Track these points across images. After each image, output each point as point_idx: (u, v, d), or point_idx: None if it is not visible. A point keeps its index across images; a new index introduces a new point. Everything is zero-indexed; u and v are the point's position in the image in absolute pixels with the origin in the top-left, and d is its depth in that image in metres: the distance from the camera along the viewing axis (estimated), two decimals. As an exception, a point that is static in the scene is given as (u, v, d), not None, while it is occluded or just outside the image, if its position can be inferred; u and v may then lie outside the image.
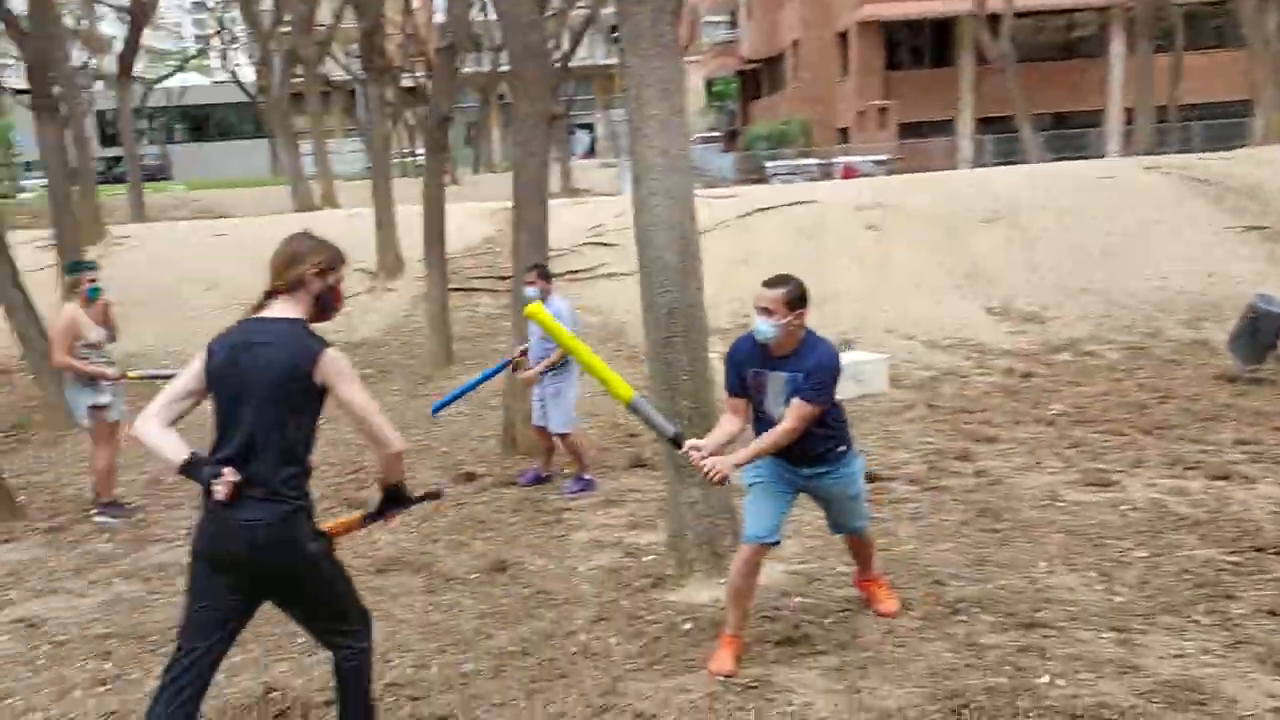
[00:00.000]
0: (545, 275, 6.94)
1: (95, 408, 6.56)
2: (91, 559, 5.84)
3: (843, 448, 4.14)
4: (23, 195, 36.96)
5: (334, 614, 3.18)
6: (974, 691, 3.70)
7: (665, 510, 5.31)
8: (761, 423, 4.09)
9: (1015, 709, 3.57)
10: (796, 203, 15.02)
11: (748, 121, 44.26)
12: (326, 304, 3.16)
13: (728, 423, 4.12)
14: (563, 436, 6.94)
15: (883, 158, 26.52)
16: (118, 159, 55.03)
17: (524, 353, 7.07)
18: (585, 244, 14.12)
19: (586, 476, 6.94)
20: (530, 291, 6.73)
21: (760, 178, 27.39)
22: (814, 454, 4.05)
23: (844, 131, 34.46)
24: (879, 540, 5.39)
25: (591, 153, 58.93)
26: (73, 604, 5.11)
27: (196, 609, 3.03)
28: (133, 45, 21.34)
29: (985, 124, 31.61)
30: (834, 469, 4.12)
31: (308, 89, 24.30)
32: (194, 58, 47.07)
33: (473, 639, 4.52)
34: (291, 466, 3.01)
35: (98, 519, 6.56)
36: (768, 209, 14.89)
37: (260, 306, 3.13)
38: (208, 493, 2.94)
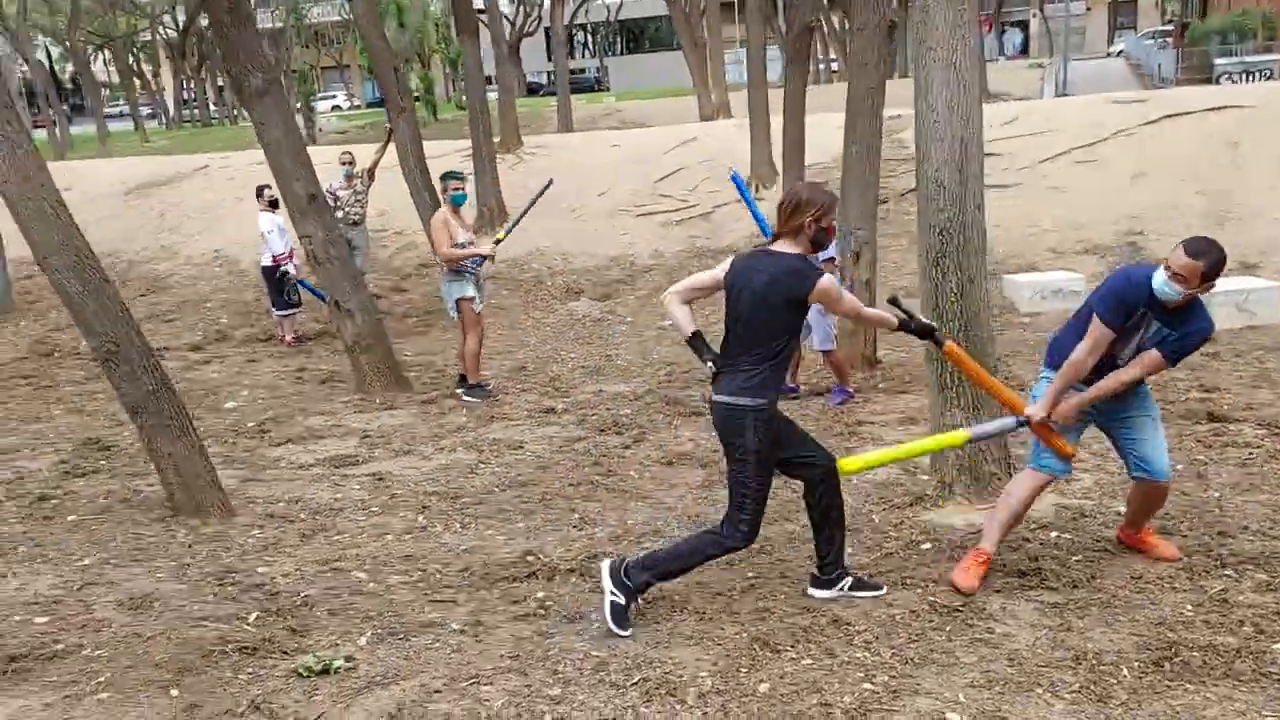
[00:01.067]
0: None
1: (463, 299, 7.64)
2: (446, 429, 6.95)
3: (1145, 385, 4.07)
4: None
5: (733, 495, 3.86)
6: (1192, 647, 3.44)
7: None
8: (1102, 362, 3.96)
9: (1228, 669, 3.28)
10: (1220, 107, 13.16)
11: (1206, 14, 38.58)
12: (819, 242, 3.83)
13: (1082, 361, 3.93)
14: (825, 353, 7.20)
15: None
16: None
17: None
18: (963, 153, 13.47)
19: (849, 389, 7.18)
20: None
21: (1207, 77, 24.00)
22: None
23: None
24: (1183, 484, 5.01)
25: (1024, 51, 54.68)
26: (417, 465, 6.17)
27: None
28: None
29: None
30: (1129, 402, 4.07)
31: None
32: None
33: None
34: (761, 364, 3.71)
35: (465, 397, 7.71)
36: (1182, 114, 13.22)
37: (773, 240, 3.89)
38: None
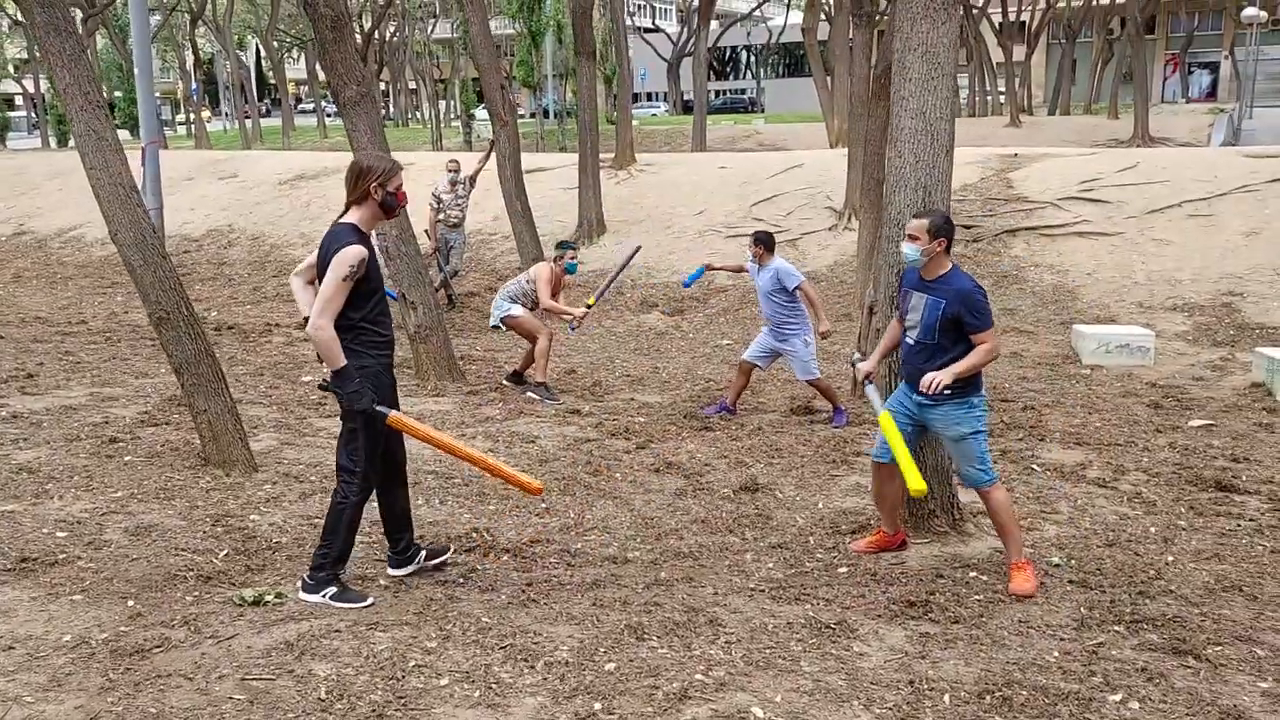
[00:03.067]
0: (760, 242, 7.61)
1: (509, 317, 8.29)
2: (476, 419, 7.54)
3: (948, 390, 4.48)
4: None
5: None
6: (1027, 686, 3.61)
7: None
8: (902, 341, 4.75)
9: (1046, 710, 3.45)
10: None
11: None
12: (388, 205, 4.15)
13: (893, 333, 4.89)
14: (811, 382, 7.61)
15: None
16: (720, 92, 60.99)
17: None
18: (1071, 198, 13.26)
19: (841, 408, 7.65)
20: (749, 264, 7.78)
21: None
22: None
23: None
24: (1141, 545, 5.06)
25: (1212, 94, 51.90)
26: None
27: None
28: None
29: None
30: (938, 405, 4.58)
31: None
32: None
33: (668, 533, 5.26)
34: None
35: (533, 395, 8.23)
36: (1315, 174, 12.63)
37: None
38: None
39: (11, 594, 4.10)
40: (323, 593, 4.17)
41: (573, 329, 8.50)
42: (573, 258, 8.37)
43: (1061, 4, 40.42)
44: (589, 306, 8.39)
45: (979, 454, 4.65)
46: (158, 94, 52.20)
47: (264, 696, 3.39)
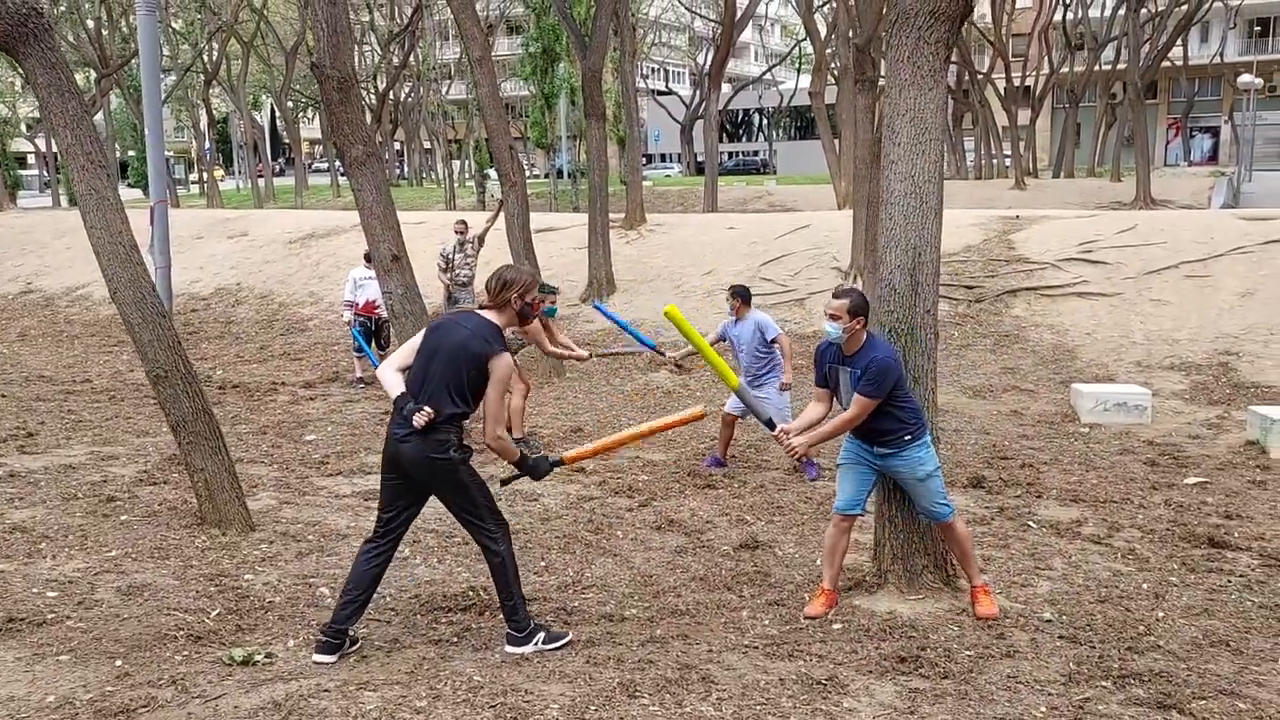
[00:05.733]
0: (738, 295, 7.84)
1: None
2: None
3: (908, 436, 4.81)
4: (643, 183, 43.16)
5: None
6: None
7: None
8: (841, 411, 4.92)
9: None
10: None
11: None
12: (525, 315, 4.44)
13: (813, 408, 5.05)
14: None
15: None
16: (732, 154, 61.82)
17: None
18: (1071, 259, 13.36)
19: (814, 461, 7.67)
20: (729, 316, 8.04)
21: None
22: (884, 437, 4.81)
23: None
24: (1133, 601, 5.03)
25: (1213, 158, 52.40)
26: (434, 504, 6.44)
27: None
28: (720, 59, 24.20)
29: None
30: (900, 451, 4.83)
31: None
32: (780, 62, 50.43)
33: (666, 591, 5.25)
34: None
35: None
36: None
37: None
38: None
39: (-1, 652, 4.10)
40: (534, 641, 4.38)
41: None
42: (552, 302, 8.43)
43: (1065, 69, 41.00)
44: (593, 355, 8.47)
45: (940, 489, 4.93)
46: (172, 153, 53.15)
47: (249, 756, 3.37)
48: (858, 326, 4.77)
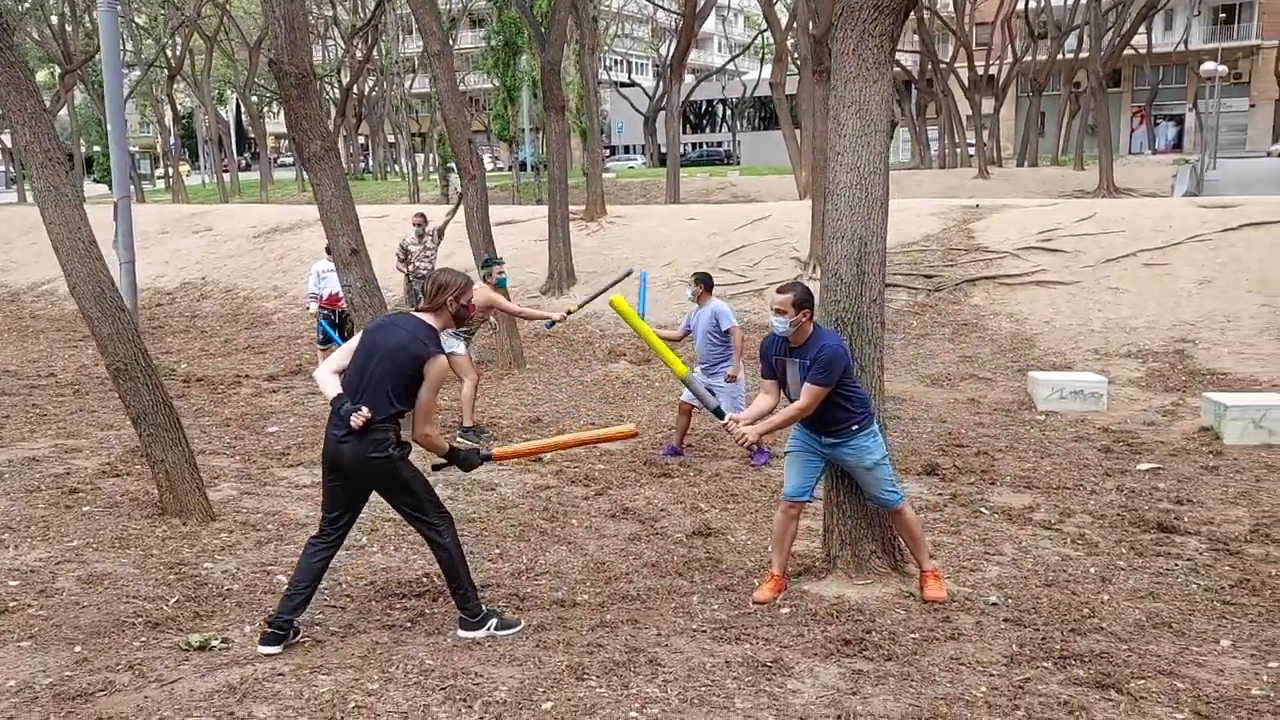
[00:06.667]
0: (700, 281, 8.00)
1: (453, 355, 8.39)
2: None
3: (855, 425, 4.91)
4: (606, 175, 43.14)
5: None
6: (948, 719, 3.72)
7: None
8: (790, 402, 5.00)
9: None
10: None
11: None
12: (460, 317, 4.52)
13: (762, 399, 5.08)
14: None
15: None
16: (696, 145, 61.94)
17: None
18: (1030, 247, 13.58)
19: (764, 449, 7.78)
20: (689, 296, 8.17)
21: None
22: (832, 426, 4.91)
23: None
24: (1080, 585, 5.19)
25: (1178, 146, 53.11)
26: None
27: None
28: (681, 50, 24.30)
29: None
30: (848, 440, 4.93)
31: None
32: (742, 53, 50.57)
33: (618, 577, 5.36)
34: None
35: (459, 439, 8.39)
36: (1265, 223, 12.99)
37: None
38: None
39: (-41, 642, 4.15)
40: (486, 627, 4.49)
41: (548, 326, 8.54)
42: (501, 272, 8.62)
43: (1028, 58, 41.40)
44: (569, 312, 8.46)
45: (888, 477, 5.04)
46: (137, 148, 52.49)
47: (203, 738, 3.46)
48: (804, 319, 4.85)
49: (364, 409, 4.22)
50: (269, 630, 4.29)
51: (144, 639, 4.26)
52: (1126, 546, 5.96)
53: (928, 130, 47.94)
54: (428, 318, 4.42)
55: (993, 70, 43.03)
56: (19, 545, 5.45)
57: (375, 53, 36.27)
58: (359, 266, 8.56)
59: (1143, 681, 4.10)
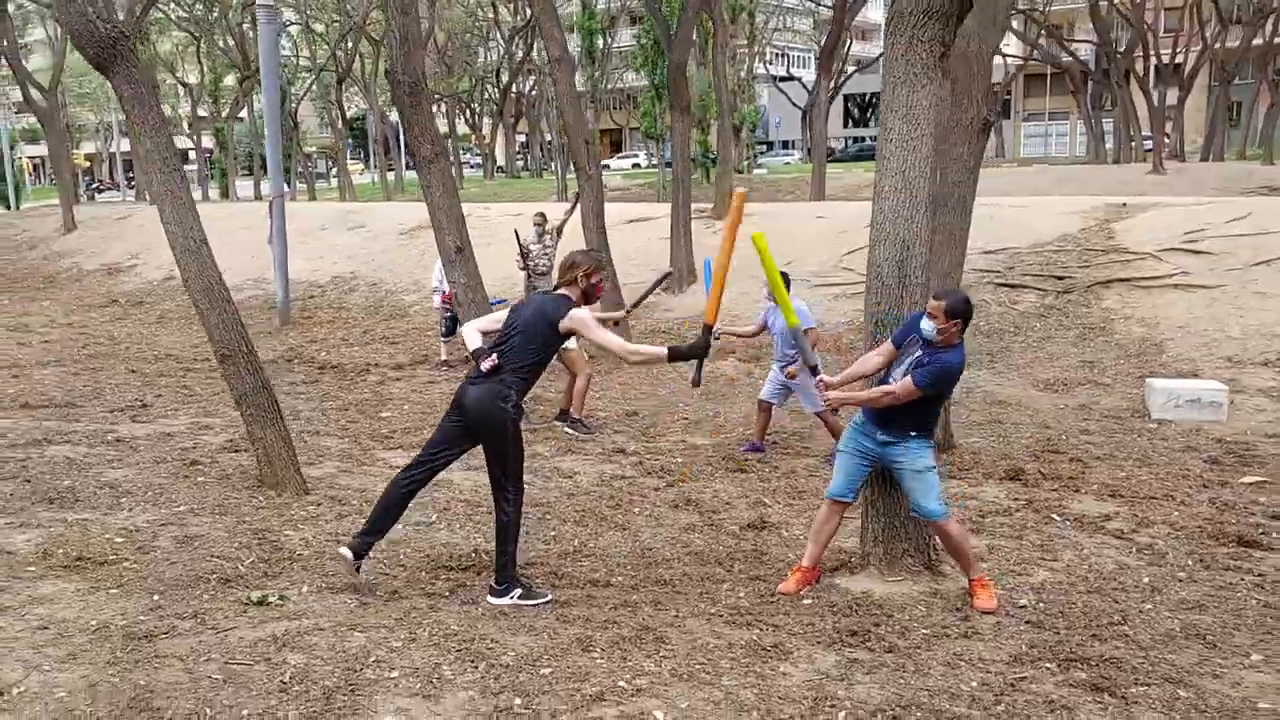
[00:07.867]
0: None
1: (565, 349, 8.80)
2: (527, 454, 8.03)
3: (915, 432, 4.97)
4: (757, 171, 43.12)
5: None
6: (928, 709, 3.80)
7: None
8: (885, 381, 5.03)
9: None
10: None
11: None
12: (590, 294, 5.08)
13: (874, 357, 5.11)
14: (818, 415, 7.97)
15: None
16: (858, 139, 60.86)
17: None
18: (1172, 249, 12.93)
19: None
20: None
21: None
22: (894, 424, 4.96)
23: None
24: (1128, 596, 5.12)
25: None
26: (475, 477, 6.91)
27: None
28: (831, 43, 24.04)
29: None
30: (902, 440, 4.98)
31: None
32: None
33: (659, 563, 5.60)
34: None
35: (566, 429, 8.79)
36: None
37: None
38: None
39: (59, 585, 4.79)
40: (510, 595, 4.88)
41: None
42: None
43: (1218, 45, 38.77)
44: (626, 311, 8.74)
45: (936, 487, 4.99)
46: (315, 148, 55.55)
47: (237, 678, 3.91)
48: (953, 328, 4.82)
49: (495, 356, 4.79)
50: (354, 540, 4.97)
51: (213, 593, 4.80)
52: (1195, 559, 5.77)
53: (1102, 123, 45.63)
54: (564, 290, 4.99)
55: (1179, 59, 40.49)
56: (133, 508, 6.15)
57: (534, 52, 37.40)
58: (464, 264, 9.11)
59: (1143, 688, 4.06)
